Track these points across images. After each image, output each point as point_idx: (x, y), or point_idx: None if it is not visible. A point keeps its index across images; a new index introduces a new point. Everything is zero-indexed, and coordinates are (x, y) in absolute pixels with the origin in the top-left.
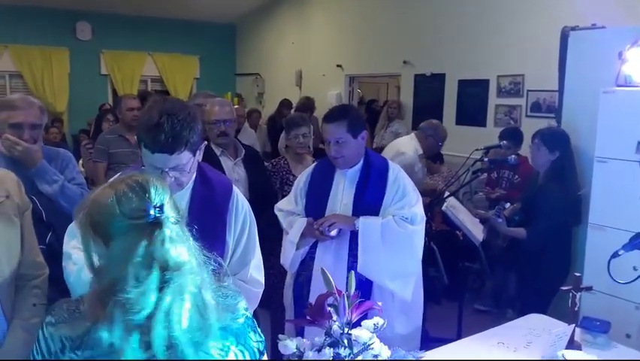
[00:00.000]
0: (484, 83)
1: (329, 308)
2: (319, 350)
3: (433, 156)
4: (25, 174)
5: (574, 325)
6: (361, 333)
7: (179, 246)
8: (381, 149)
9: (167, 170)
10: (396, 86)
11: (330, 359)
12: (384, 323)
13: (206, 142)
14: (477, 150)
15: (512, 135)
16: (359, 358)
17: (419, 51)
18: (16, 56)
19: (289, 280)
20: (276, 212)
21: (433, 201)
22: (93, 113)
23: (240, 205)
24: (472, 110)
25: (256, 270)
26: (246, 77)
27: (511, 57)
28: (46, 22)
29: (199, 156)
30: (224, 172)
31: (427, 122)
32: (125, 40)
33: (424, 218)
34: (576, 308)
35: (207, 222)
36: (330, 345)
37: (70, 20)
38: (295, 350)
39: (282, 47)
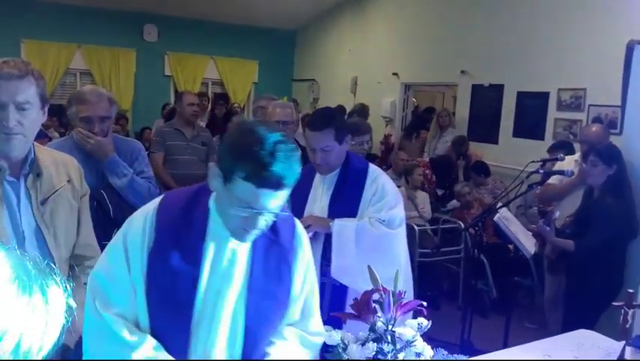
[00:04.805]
0: (544, 96)
1: (374, 304)
2: (363, 344)
3: (477, 169)
4: (97, 166)
5: (624, 342)
6: (405, 331)
7: None
8: (433, 159)
9: (264, 211)
10: (452, 95)
11: (373, 354)
12: (428, 324)
13: None
14: (533, 162)
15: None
16: (401, 355)
17: (477, 61)
18: (87, 55)
19: None
20: None
21: (484, 212)
22: (156, 112)
23: (306, 243)
24: (530, 122)
25: (317, 324)
26: (302, 83)
27: (573, 70)
28: (116, 24)
29: None
30: None
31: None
32: (189, 43)
33: (404, 221)
34: (627, 325)
35: (272, 268)
36: (374, 340)
37: (139, 23)
38: (339, 342)
39: (339, 54)
